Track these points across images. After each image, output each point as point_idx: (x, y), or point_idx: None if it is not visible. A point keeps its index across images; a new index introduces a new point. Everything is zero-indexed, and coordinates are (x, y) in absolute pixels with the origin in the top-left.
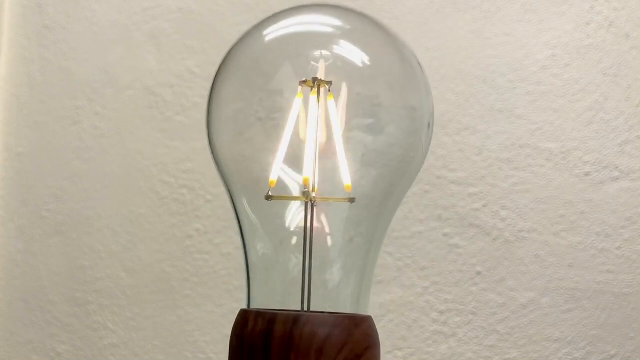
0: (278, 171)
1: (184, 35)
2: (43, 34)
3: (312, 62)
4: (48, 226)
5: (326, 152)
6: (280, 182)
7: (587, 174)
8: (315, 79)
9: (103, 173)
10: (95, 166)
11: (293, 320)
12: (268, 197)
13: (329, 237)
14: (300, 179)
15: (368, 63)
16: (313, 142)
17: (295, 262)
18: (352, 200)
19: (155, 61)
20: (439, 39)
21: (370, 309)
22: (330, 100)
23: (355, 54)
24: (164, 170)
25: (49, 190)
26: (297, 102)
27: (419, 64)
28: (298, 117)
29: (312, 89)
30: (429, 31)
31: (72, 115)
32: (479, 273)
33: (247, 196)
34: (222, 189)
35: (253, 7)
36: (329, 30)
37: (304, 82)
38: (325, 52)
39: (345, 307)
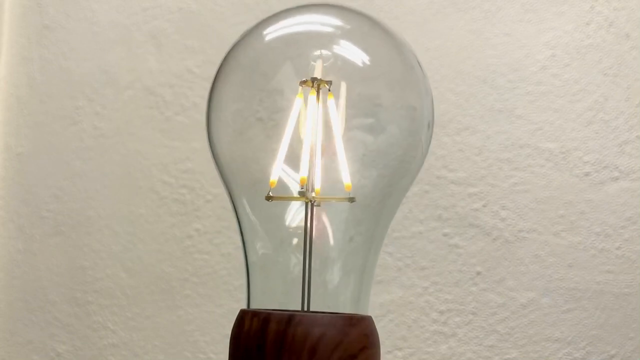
0: (279, 172)
1: (184, 35)
2: (43, 34)
3: (312, 62)
4: (48, 226)
5: (326, 152)
6: (280, 182)
7: (587, 174)
8: (314, 79)
9: (103, 173)
10: (95, 166)
11: (287, 320)
12: (268, 198)
13: (328, 237)
14: (299, 179)
15: (368, 63)
16: (312, 142)
17: (295, 262)
18: (351, 200)
19: (155, 61)
20: (439, 39)
21: (370, 309)
22: (330, 100)
23: (355, 54)
24: (164, 170)
25: (49, 190)
26: (297, 102)
27: (419, 63)
28: (298, 117)
29: (312, 89)
30: (429, 31)
31: (72, 115)
32: (479, 273)
33: (247, 196)
34: (222, 189)
35: (253, 7)
36: (329, 30)
37: (304, 82)
38: (325, 52)
39: (345, 307)
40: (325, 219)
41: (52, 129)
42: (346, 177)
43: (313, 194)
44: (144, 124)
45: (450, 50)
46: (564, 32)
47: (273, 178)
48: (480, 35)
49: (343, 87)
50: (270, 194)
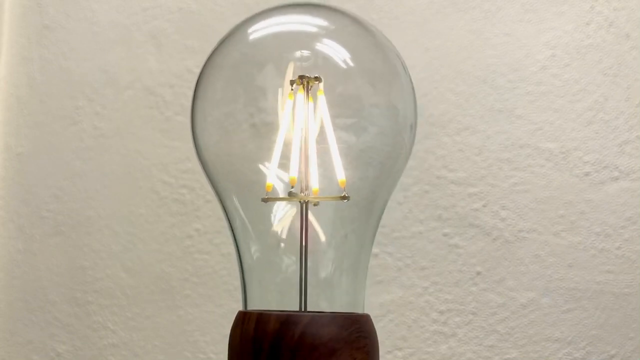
0: (274, 173)
1: (184, 35)
2: (43, 34)
3: (296, 62)
4: (48, 226)
5: (318, 150)
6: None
7: (587, 174)
8: (302, 77)
9: (103, 173)
10: (95, 166)
11: (289, 320)
12: (265, 200)
13: (321, 237)
14: (289, 179)
15: (351, 63)
16: (304, 141)
17: (289, 262)
18: (345, 198)
19: (155, 61)
20: (439, 39)
21: (370, 309)
22: (321, 97)
23: (339, 54)
24: (164, 170)
25: (49, 190)
26: (286, 101)
27: (403, 64)
28: (289, 115)
29: (301, 87)
30: (429, 31)
31: (72, 115)
32: (479, 273)
33: (237, 197)
34: None
35: (253, 8)
36: (314, 29)
37: (293, 81)
38: (308, 52)
39: (342, 306)
40: (317, 218)
41: (52, 129)
42: (340, 174)
43: (305, 194)
44: (144, 124)
45: (450, 50)
46: (564, 32)
47: (269, 181)
48: (480, 35)
49: (327, 86)
50: (266, 195)
